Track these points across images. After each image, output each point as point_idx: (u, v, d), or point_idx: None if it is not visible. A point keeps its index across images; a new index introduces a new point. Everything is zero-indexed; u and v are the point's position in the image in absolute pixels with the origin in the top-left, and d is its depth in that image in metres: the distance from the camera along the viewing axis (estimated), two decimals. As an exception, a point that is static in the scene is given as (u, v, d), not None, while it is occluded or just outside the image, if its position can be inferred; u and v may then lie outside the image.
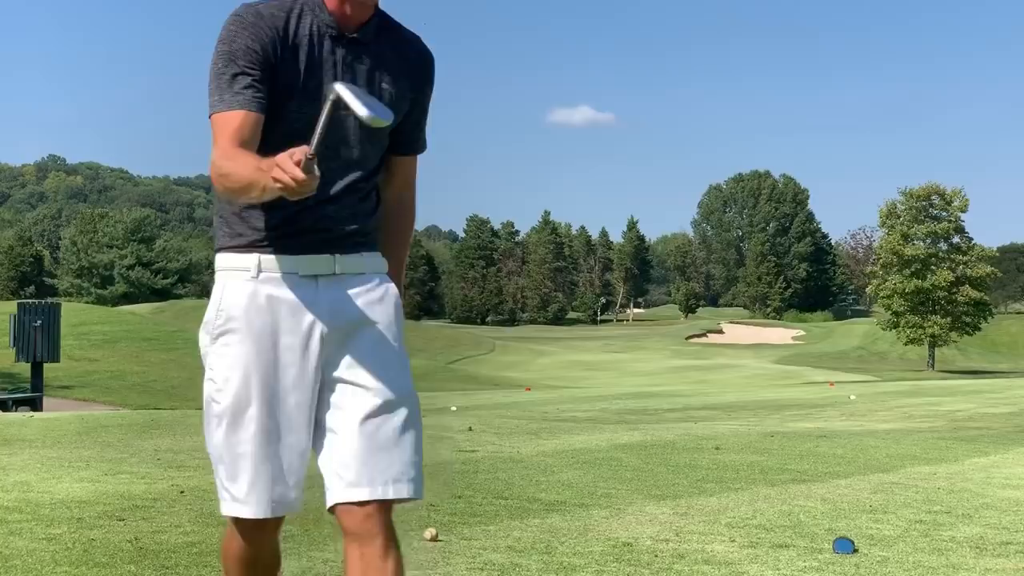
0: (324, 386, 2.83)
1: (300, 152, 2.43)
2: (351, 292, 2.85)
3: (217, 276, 2.89)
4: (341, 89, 2.61)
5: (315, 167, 2.47)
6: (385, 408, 2.78)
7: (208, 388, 2.84)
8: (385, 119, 2.58)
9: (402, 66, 2.93)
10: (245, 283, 2.81)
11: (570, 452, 10.57)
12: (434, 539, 5.57)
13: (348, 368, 2.81)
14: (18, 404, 26.57)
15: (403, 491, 2.75)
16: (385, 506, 2.73)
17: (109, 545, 5.29)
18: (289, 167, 2.42)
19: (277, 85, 2.78)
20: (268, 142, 2.73)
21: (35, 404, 27.44)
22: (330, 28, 2.82)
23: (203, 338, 2.87)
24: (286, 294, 2.80)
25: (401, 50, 2.94)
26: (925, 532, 6.32)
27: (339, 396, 2.81)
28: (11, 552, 5.07)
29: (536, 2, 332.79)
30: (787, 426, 17.83)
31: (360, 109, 2.56)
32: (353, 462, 2.73)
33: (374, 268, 2.92)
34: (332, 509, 2.77)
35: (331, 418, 2.80)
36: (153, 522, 5.95)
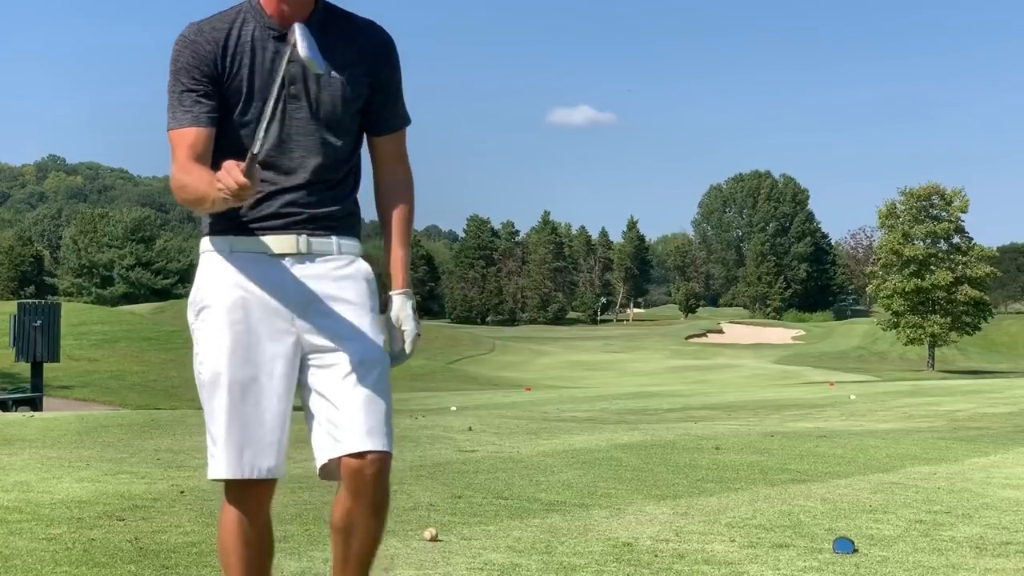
0: (305, 355, 3.06)
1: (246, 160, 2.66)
2: (319, 270, 3.06)
3: (200, 259, 3.13)
4: (299, 27, 2.77)
5: (255, 170, 2.70)
6: (365, 369, 3.01)
7: (194, 361, 3.07)
8: (319, 67, 2.75)
9: (354, 54, 3.07)
10: (220, 263, 3.05)
11: (570, 452, 10.57)
12: (434, 539, 5.57)
13: (324, 338, 3.03)
14: (18, 404, 26.56)
15: (379, 444, 2.98)
16: (377, 459, 2.98)
17: (109, 545, 5.29)
18: (234, 173, 2.67)
19: (228, 93, 2.98)
20: (232, 146, 2.97)
21: (35, 404, 27.44)
22: (271, 30, 2.99)
23: (189, 315, 3.12)
24: (256, 271, 3.03)
25: (352, 38, 3.08)
26: (925, 532, 6.31)
27: (320, 363, 3.04)
28: (11, 552, 5.07)
29: (538, 2, 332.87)
30: (787, 426, 17.83)
31: (303, 49, 2.72)
32: (341, 420, 2.97)
33: (346, 250, 3.12)
34: (323, 468, 3.03)
35: (315, 384, 3.04)
36: (153, 522, 5.95)
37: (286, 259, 3.04)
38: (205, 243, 3.09)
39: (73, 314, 54.24)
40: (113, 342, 54.39)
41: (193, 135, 2.94)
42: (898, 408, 23.63)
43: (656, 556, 5.39)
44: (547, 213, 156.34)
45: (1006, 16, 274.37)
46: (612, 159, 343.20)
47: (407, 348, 3.14)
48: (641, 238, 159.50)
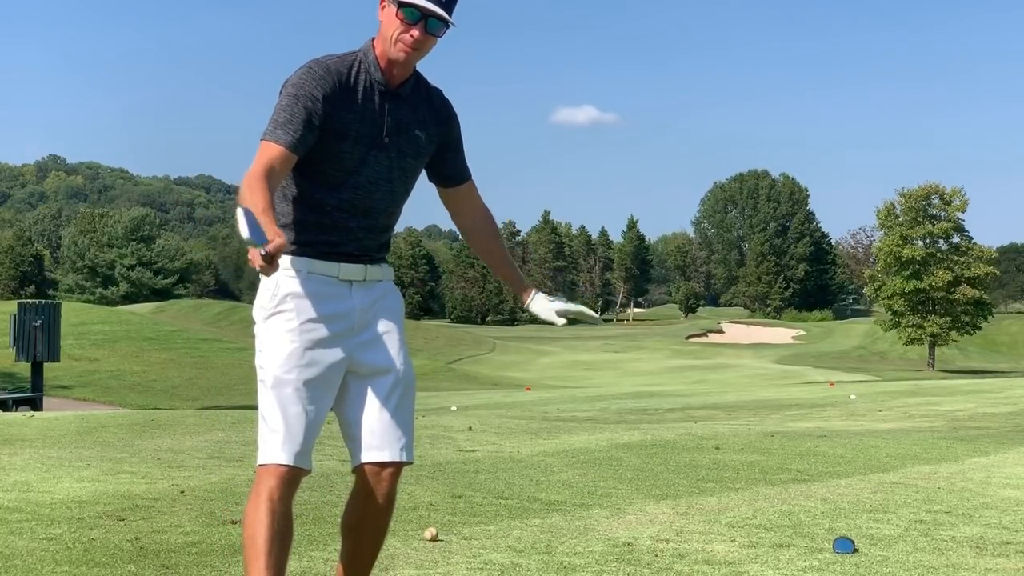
0: (351, 367, 3.52)
1: (280, 240, 3.08)
2: (374, 294, 3.59)
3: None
4: (239, 212, 3.09)
5: (278, 260, 3.12)
6: (399, 388, 3.57)
7: (258, 358, 3.46)
8: (258, 243, 3.04)
9: (431, 115, 3.64)
10: (296, 279, 3.47)
11: (570, 452, 10.57)
12: (434, 539, 5.57)
13: (372, 353, 3.54)
14: (18, 404, 26.56)
15: (407, 456, 3.57)
16: (398, 468, 3.56)
17: (109, 545, 5.29)
18: (267, 259, 3.07)
19: (333, 127, 3.44)
20: (323, 174, 3.48)
21: (35, 404, 27.45)
22: (379, 84, 3.52)
23: (257, 317, 3.51)
24: (327, 291, 3.49)
25: (430, 101, 3.65)
26: (925, 532, 6.31)
27: (364, 375, 3.54)
28: (11, 552, 5.07)
29: (543, 2, 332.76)
30: (787, 426, 17.82)
31: (243, 231, 3.03)
32: (379, 429, 3.53)
33: (388, 276, 3.67)
34: (357, 468, 3.57)
35: (358, 392, 3.55)
36: (153, 522, 5.95)
37: (352, 284, 3.54)
38: (284, 260, 3.42)
39: (73, 314, 54.23)
40: (113, 342, 54.36)
41: (281, 155, 3.34)
42: (898, 408, 23.61)
43: (656, 556, 5.39)
44: (547, 212, 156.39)
45: (1007, 16, 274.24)
46: (613, 159, 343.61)
47: (589, 312, 3.79)
48: (641, 238, 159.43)
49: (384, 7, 3.50)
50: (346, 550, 3.62)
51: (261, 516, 3.33)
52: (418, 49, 3.47)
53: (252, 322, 3.53)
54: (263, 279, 3.44)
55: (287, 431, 3.37)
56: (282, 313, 3.44)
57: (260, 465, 3.39)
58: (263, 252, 3.06)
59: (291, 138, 3.34)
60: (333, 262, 3.50)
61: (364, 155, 3.47)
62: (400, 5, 3.43)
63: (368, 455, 3.51)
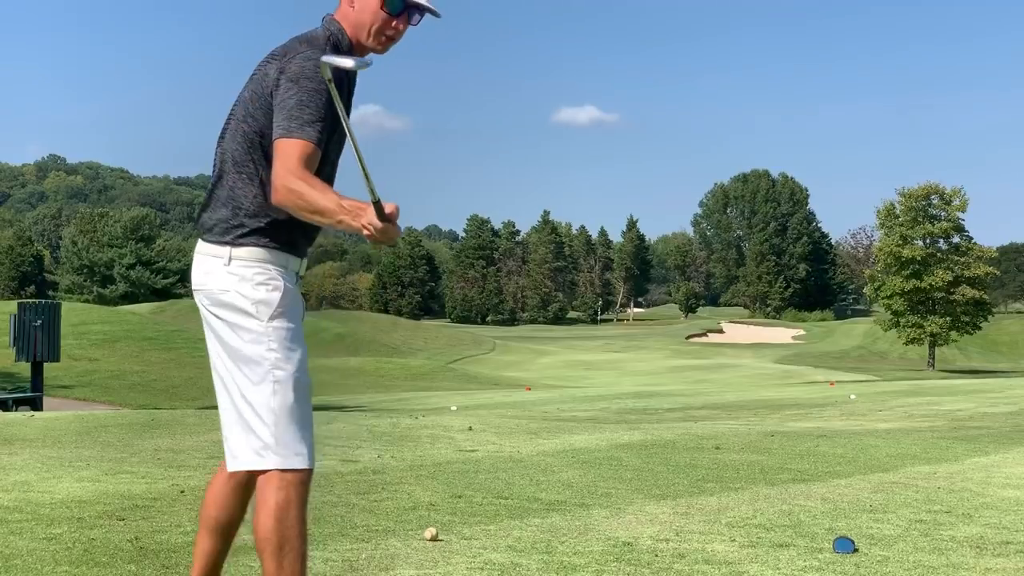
0: None
1: (390, 205, 3.08)
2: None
3: (255, 263, 3.45)
4: (327, 58, 3.05)
5: (386, 216, 3.11)
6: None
7: (269, 357, 3.37)
8: (367, 61, 3.07)
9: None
10: (281, 275, 3.44)
11: (570, 452, 10.57)
12: (434, 539, 5.57)
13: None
14: (18, 404, 26.54)
15: None
16: None
17: (109, 545, 5.29)
18: (371, 218, 3.09)
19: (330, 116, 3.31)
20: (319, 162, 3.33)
21: (35, 404, 27.42)
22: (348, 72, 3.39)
23: (254, 311, 3.44)
24: (295, 287, 3.50)
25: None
26: (925, 532, 6.31)
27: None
28: (11, 552, 5.07)
29: (549, 3, 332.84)
30: (787, 425, 17.82)
31: (348, 62, 3.02)
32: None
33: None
34: None
35: None
36: (153, 522, 5.95)
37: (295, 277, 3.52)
38: (261, 252, 3.40)
39: (73, 314, 54.21)
40: (113, 342, 54.32)
41: (312, 149, 3.24)
42: (898, 408, 23.61)
43: (656, 556, 5.39)
44: (547, 213, 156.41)
45: (1007, 16, 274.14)
46: (613, 159, 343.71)
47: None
48: (641, 238, 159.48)
49: None
50: (212, 551, 3.75)
51: (298, 517, 3.30)
52: (397, 40, 3.37)
53: (238, 307, 3.38)
54: (255, 269, 3.39)
55: (308, 435, 3.35)
56: (285, 314, 3.39)
57: (296, 470, 3.31)
58: (386, 212, 3.05)
59: (321, 136, 3.26)
60: (296, 257, 3.49)
61: (329, 145, 3.36)
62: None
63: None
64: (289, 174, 3.18)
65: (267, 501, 3.29)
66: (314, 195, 3.15)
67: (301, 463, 3.30)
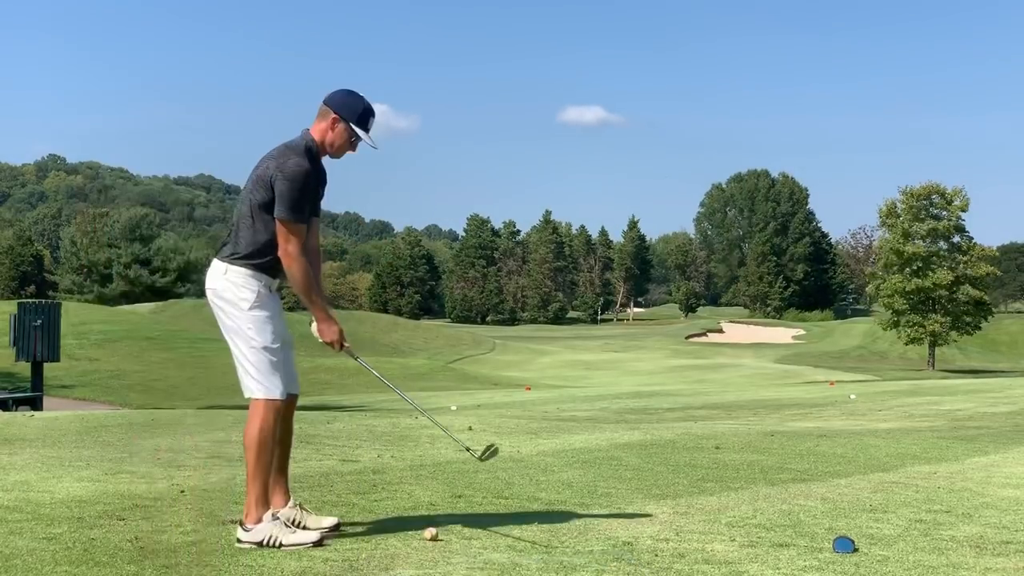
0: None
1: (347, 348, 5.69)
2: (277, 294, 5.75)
3: (250, 277, 5.52)
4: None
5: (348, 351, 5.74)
6: (293, 348, 5.74)
7: (252, 330, 5.46)
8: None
9: (322, 174, 5.71)
10: (263, 287, 5.56)
11: (570, 452, 10.56)
12: (434, 539, 5.57)
13: (285, 328, 5.70)
14: (18, 404, 26.54)
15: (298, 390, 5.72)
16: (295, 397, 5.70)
17: (109, 545, 5.29)
18: (335, 341, 5.66)
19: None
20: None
21: (35, 404, 27.42)
22: (318, 162, 5.63)
23: (243, 304, 5.49)
24: (273, 294, 5.66)
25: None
26: (925, 531, 6.31)
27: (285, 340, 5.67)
28: (11, 552, 5.07)
29: (555, 3, 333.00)
30: (787, 425, 17.81)
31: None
32: (295, 373, 5.69)
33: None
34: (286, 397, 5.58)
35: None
36: (153, 521, 5.95)
37: (272, 289, 5.61)
38: (248, 270, 5.47)
39: (73, 313, 54.24)
40: (113, 342, 54.35)
41: (304, 231, 5.44)
42: (898, 407, 23.60)
43: (656, 556, 5.38)
44: (548, 212, 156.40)
45: (1007, 16, 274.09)
46: (614, 159, 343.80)
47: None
48: (642, 237, 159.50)
49: (335, 127, 5.49)
50: (276, 456, 5.54)
51: (271, 425, 5.40)
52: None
53: (229, 300, 5.45)
54: (242, 280, 5.49)
55: (283, 376, 5.47)
56: (261, 307, 5.47)
57: (267, 399, 5.41)
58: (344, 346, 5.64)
59: (305, 216, 5.42)
60: (272, 278, 5.55)
61: (312, 207, 5.54)
62: (352, 135, 5.54)
63: (291, 388, 5.57)
64: (288, 256, 5.38)
65: (254, 418, 5.40)
66: (301, 280, 5.45)
67: (277, 395, 5.44)
